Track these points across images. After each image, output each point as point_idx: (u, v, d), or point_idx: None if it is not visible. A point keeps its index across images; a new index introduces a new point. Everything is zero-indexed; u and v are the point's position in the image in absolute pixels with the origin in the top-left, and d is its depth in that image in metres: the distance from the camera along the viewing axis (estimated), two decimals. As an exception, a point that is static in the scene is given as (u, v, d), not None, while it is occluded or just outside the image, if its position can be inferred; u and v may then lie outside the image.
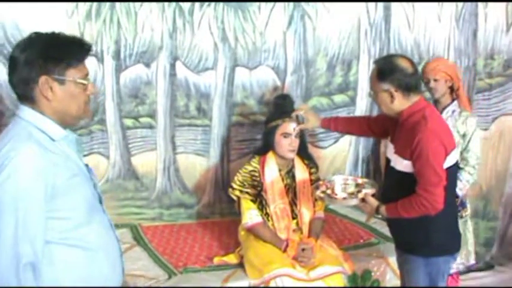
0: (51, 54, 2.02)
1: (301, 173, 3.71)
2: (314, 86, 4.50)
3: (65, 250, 2.03)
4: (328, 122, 3.53)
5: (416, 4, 4.58)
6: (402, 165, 2.90)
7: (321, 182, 3.32)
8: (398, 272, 3.56)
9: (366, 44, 4.56)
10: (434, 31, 4.69)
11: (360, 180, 3.29)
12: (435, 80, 3.71)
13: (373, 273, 3.77)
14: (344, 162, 4.73)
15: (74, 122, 2.18)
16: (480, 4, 4.75)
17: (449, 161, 2.86)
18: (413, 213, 2.86)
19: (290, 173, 3.69)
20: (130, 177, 4.19)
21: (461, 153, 3.76)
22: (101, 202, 2.24)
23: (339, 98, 4.60)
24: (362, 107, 4.67)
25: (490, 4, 4.79)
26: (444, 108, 3.79)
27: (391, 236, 3.92)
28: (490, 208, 5.18)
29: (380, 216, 3.09)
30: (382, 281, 3.79)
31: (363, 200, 3.07)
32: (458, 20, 4.74)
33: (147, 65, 4.05)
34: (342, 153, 4.71)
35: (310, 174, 3.74)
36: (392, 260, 3.70)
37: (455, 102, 3.79)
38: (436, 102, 3.81)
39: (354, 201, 3.12)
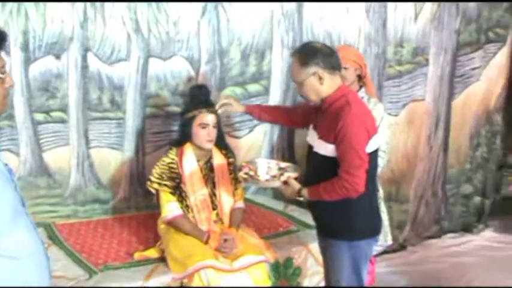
0: None
1: (220, 163, 3.68)
2: (228, 76, 4.47)
3: None
4: (252, 108, 3.56)
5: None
6: (326, 149, 2.94)
7: (244, 164, 3.32)
8: (319, 258, 3.61)
9: (279, 34, 4.58)
10: (345, 21, 4.77)
11: (282, 164, 3.33)
12: (345, 68, 3.76)
13: (294, 261, 3.80)
14: (259, 151, 4.73)
15: None
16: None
17: (371, 146, 2.92)
18: (335, 195, 2.91)
19: (208, 164, 3.66)
20: (42, 174, 4.03)
21: None
22: (23, 205, 2.12)
23: (252, 88, 4.60)
24: (275, 96, 4.68)
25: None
26: None
27: (310, 223, 4.00)
28: (402, 191, 5.35)
29: (302, 198, 3.11)
30: (303, 268, 3.83)
31: (285, 182, 3.10)
32: (368, 11, 4.84)
33: (58, 57, 3.90)
34: (257, 143, 4.72)
35: (229, 164, 3.72)
36: (313, 246, 3.76)
37: (363, 89, 3.87)
38: None
39: (277, 183, 3.15)
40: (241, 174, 3.24)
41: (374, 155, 3.01)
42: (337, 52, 3.07)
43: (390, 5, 4.94)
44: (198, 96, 3.61)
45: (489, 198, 5.94)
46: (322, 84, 2.93)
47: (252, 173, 3.22)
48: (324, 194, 2.95)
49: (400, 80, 5.14)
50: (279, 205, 4.58)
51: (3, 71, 1.99)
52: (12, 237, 1.97)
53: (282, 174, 3.17)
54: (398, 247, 5.26)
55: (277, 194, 4.73)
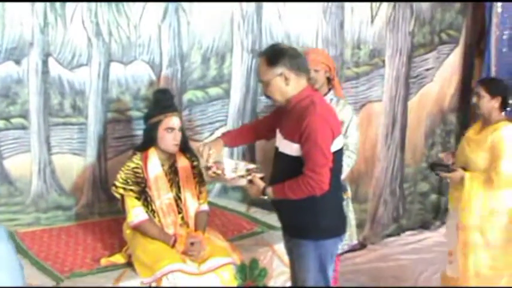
0: None
1: (184, 166, 3.69)
2: (189, 80, 4.49)
3: None
4: (225, 139, 3.50)
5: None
6: (291, 149, 2.99)
7: (211, 163, 3.31)
8: (284, 258, 3.65)
9: (239, 37, 4.62)
10: (303, 23, 4.84)
11: (250, 166, 3.35)
12: (316, 71, 3.82)
13: (260, 262, 3.82)
14: (220, 154, 4.74)
15: None
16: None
17: (335, 145, 2.99)
18: (300, 193, 2.95)
19: (172, 168, 3.66)
20: (2, 181, 3.93)
21: None
22: None
23: (213, 91, 4.63)
24: (236, 99, 4.73)
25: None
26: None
27: (273, 224, 4.04)
28: (360, 191, 5.44)
29: (266, 197, 3.13)
30: (269, 268, 3.85)
31: (251, 181, 3.14)
32: (326, 12, 4.92)
33: (18, 62, 3.84)
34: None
35: (193, 167, 3.73)
36: (278, 247, 3.80)
37: (332, 91, 3.93)
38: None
39: (243, 181, 3.19)
40: (209, 172, 3.26)
41: (338, 154, 3.06)
42: (304, 55, 3.12)
43: (347, 7, 5.04)
44: (163, 101, 3.61)
45: (445, 195, 6.06)
46: (287, 85, 2.97)
47: (219, 171, 3.24)
48: (289, 192, 2.99)
49: (357, 82, 5.25)
50: (241, 207, 4.61)
51: None
52: None
53: (249, 175, 3.20)
54: (359, 246, 5.33)
55: (238, 196, 4.77)
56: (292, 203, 3.03)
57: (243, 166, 3.33)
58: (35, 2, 3.79)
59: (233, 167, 3.30)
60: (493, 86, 3.80)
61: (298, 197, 2.97)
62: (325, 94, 3.88)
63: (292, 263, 3.34)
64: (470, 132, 3.94)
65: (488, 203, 3.76)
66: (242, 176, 3.21)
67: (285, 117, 3.08)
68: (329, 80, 3.95)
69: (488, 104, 3.74)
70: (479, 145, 3.76)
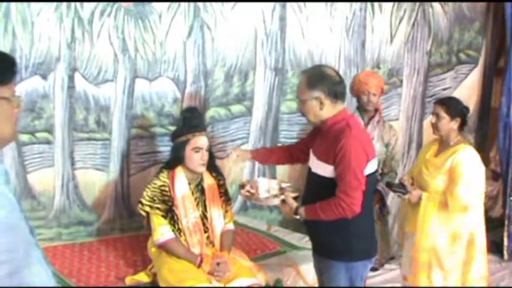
0: None
1: (210, 185, 3.67)
2: (212, 97, 4.49)
3: None
4: (255, 154, 3.60)
5: (310, 15, 4.70)
6: (325, 170, 2.98)
7: (245, 182, 3.36)
8: (308, 279, 3.64)
9: (263, 54, 4.61)
10: (326, 41, 4.84)
11: (283, 184, 3.36)
12: (374, 95, 3.88)
13: (283, 282, 3.80)
14: (241, 172, 4.74)
15: (5, 145, 2.00)
16: (368, 16, 4.96)
17: (369, 168, 2.97)
18: (332, 215, 2.93)
19: (199, 186, 3.64)
20: (26, 196, 3.94)
21: (385, 161, 3.93)
22: (33, 235, 2.05)
23: (236, 108, 4.63)
24: (258, 116, 4.72)
25: (377, 17, 5.01)
26: (371, 119, 4.00)
27: (295, 244, 4.03)
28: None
29: (298, 217, 3.11)
30: (292, 289, 3.84)
31: (283, 201, 3.13)
32: (348, 31, 4.92)
33: (44, 77, 3.84)
34: (238, 164, 4.72)
35: (219, 186, 3.71)
36: (302, 267, 3.79)
37: (377, 112, 3.97)
38: (363, 111, 4.04)
39: (276, 201, 3.19)
40: (243, 191, 3.27)
41: (371, 177, 3.05)
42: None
43: (368, 26, 5.03)
44: (191, 119, 3.58)
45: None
46: (321, 110, 2.97)
47: (253, 191, 3.26)
48: (321, 212, 2.97)
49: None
50: (261, 225, 4.59)
51: (15, 97, 1.94)
52: (29, 272, 1.89)
53: (282, 194, 3.20)
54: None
55: (258, 215, 4.75)
56: (325, 224, 3.01)
57: (276, 185, 3.34)
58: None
59: (267, 186, 3.31)
60: (453, 107, 3.69)
61: (329, 218, 2.95)
62: (373, 115, 3.95)
63: (321, 283, 3.32)
64: (429, 154, 3.80)
65: (447, 226, 3.68)
66: (275, 196, 3.22)
67: (319, 138, 3.08)
68: None
69: (447, 125, 3.65)
70: (438, 169, 3.67)
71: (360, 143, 2.91)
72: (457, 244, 3.71)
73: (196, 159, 3.52)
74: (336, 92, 2.97)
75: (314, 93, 2.95)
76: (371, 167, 3.00)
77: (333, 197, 2.92)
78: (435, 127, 3.70)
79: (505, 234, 5.31)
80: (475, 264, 3.72)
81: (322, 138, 3.04)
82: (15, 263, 1.81)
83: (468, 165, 3.59)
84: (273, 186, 3.34)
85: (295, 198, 3.14)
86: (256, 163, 4.79)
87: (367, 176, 2.96)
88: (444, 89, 5.75)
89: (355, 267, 3.09)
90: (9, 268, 1.79)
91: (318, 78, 2.98)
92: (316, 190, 3.07)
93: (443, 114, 3.64)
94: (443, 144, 3.73)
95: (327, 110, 2.97)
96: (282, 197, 3.16)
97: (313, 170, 3.10)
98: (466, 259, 3.72)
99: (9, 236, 1.78)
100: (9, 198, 1.88)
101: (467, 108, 3.80)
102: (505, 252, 5.31)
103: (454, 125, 3.66)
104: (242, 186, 3.32)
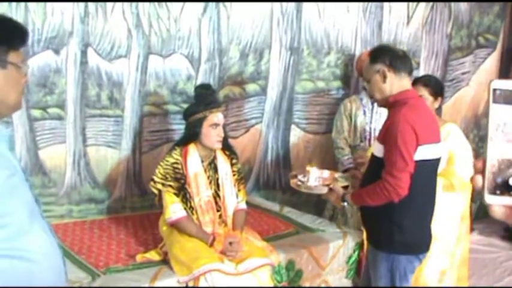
0: None
1: (223, 164, 3.60)
2: (227, 75, 4.42)
3: (4, 262, 1.76)
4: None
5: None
6: (380, 151, 2.85)
7: (297, 172, 3.44)
8: (320, 260, 3.60)
9: (278, 33, 4.54)
10: (342, 22, 4.76)
11: (336, 175, 3.37)
12: None
13: (296, 263, 3.74)
14: (254, 151, 4.68)
15: (9, 113, 1.96)
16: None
17: (423, 153, 2.79)
18: (377, 199, 2.80)
19: (212, 164, 3.57)
20: (37, 172, 3.89)
21: None
22: (38, 205, 2.00)
23: (250, 87, 4.57)
24: (272, 96, 4.66)
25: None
26: None
27: (308, 225, 4.00)
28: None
29: (346, 204, 3.07)
30: (305, 271, 3.77)
31: (331, 189, 3.11)
32: (365, 12, 4.83)
33: (57, 52, 3.77)
34: (252, 143, 4.67)
35: (232, 165, 3.64)
36: (315, 249, 3.75)
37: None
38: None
39: (324, 189, 3.21)
40: (294, 180, 3.30)
41: (426, 164, 2.84)
42: (408, 57, 2.99)
43: (386, 7, 4.94)
44: (207, 96, 3.52)
45: (475, 202, 5.97)
46: (384, 83, 2.84)
47: (304, 179, 3.27)
48: (367, 197, 2.86)
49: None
50: (274, 206, 4.53)
51: (24, 65, 1.90)
52: (30, 238, 1.85)
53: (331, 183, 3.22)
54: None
55: (269, 195, 4.71)
56: (369, 212, 2.94)
57: (327, 175, 3.35)
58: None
59: (317, 175, 3.29)
60: (435, 86, 3.59)
61: (376, 203, 2.82)
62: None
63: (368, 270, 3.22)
64: None
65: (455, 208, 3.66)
66: (326, 185, 3.22)
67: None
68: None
69: (431, 106, 3.51)
70: None
71: (409, 122, 2.72)
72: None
73: (214, 135, 3.44)
74: (399, 65, 2.85)
75: (376, 67, 2.86)
76: (425, 152, 2.80)
77: (379, 180, 2.78)
78: None
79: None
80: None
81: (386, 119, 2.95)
82: (18, 226, 1.78)
83: (460, 144, 3.60)
84: (324, 175, 3.33)
85: (345, 188, 3.09)
86: (270, 143, 4.75)
87: (420, 161, 2.77)
88: (463, 73, 5.67)
89: (396, 259, 2.94)
90: (13, 231, 1.76)
91: (380, 51, 2.93)
92: (372, 172, 2.93)
93: (426, 95, 3.52)
94: None
95: (390, 83, 2.84)
96: (331, 185, 3.14)
97: (373, 151, 2.99)
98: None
99: (8, 200, 1.75)
100: (12, 162, 1.85)
101: (443, 86, 3.78)
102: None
103: (436, 104, 3.60)
104: (294, 176, 3.31)
